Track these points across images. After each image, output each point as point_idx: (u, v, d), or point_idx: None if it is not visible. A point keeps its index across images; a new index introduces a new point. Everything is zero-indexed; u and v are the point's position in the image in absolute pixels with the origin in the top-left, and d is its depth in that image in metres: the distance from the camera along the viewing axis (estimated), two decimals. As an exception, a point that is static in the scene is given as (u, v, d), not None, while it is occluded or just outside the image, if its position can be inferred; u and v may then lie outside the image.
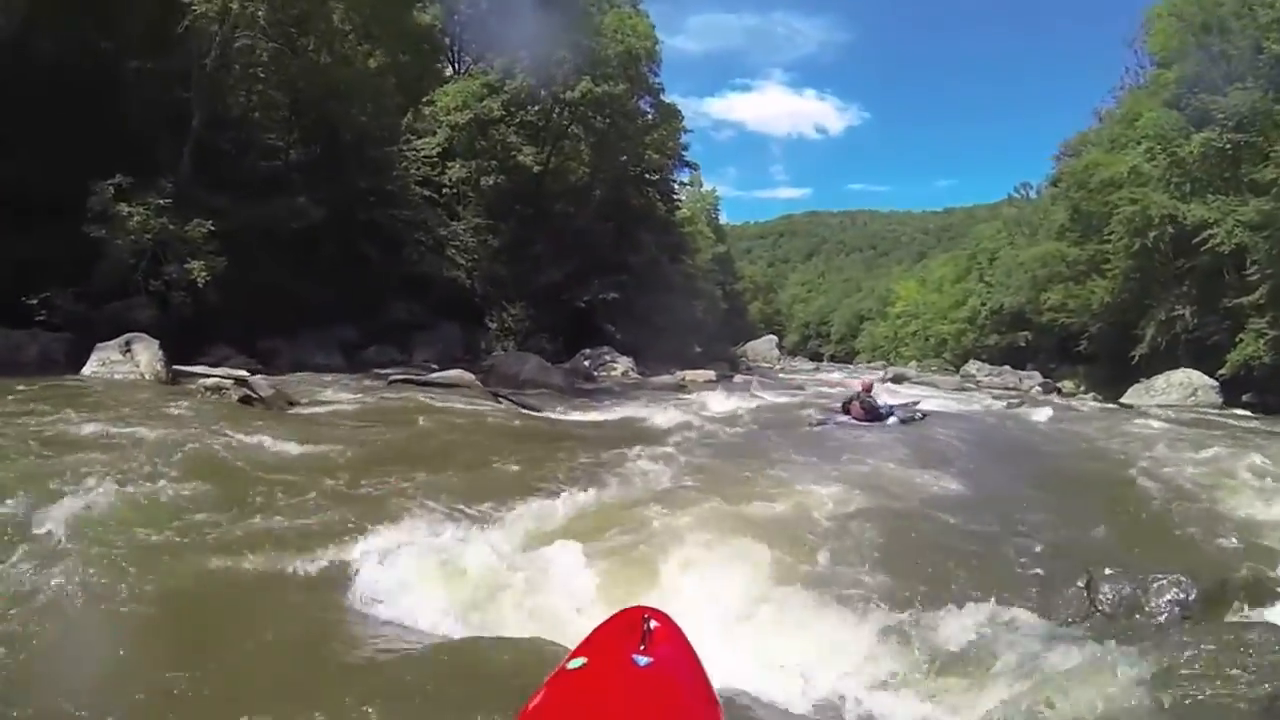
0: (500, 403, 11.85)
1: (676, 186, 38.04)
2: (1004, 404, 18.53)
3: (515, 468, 6.57)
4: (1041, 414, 15.28)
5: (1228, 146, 20.18)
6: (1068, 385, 31.44)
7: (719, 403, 13.95)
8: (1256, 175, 18.95)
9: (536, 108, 26.69)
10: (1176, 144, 21.32)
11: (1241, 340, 18.59)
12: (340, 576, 3.86)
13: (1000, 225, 52.35)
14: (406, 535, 4.33)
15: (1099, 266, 26.53)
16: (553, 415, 11.44)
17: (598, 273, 26.88)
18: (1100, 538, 5.09)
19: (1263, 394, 18.25)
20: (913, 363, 57.44)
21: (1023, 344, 43.75)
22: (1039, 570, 4.30)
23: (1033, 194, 48.68)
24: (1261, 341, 17.73)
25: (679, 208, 40.41)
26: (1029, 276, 38.78)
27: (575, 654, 1.79)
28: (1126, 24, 46.79)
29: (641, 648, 1.72)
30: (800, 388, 22.44)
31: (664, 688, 1.63)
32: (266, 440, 6.35)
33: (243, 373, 9.98)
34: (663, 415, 11.67)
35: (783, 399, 16.05)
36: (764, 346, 55.78)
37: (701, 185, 57.69)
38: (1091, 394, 25.51)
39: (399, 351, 19.26)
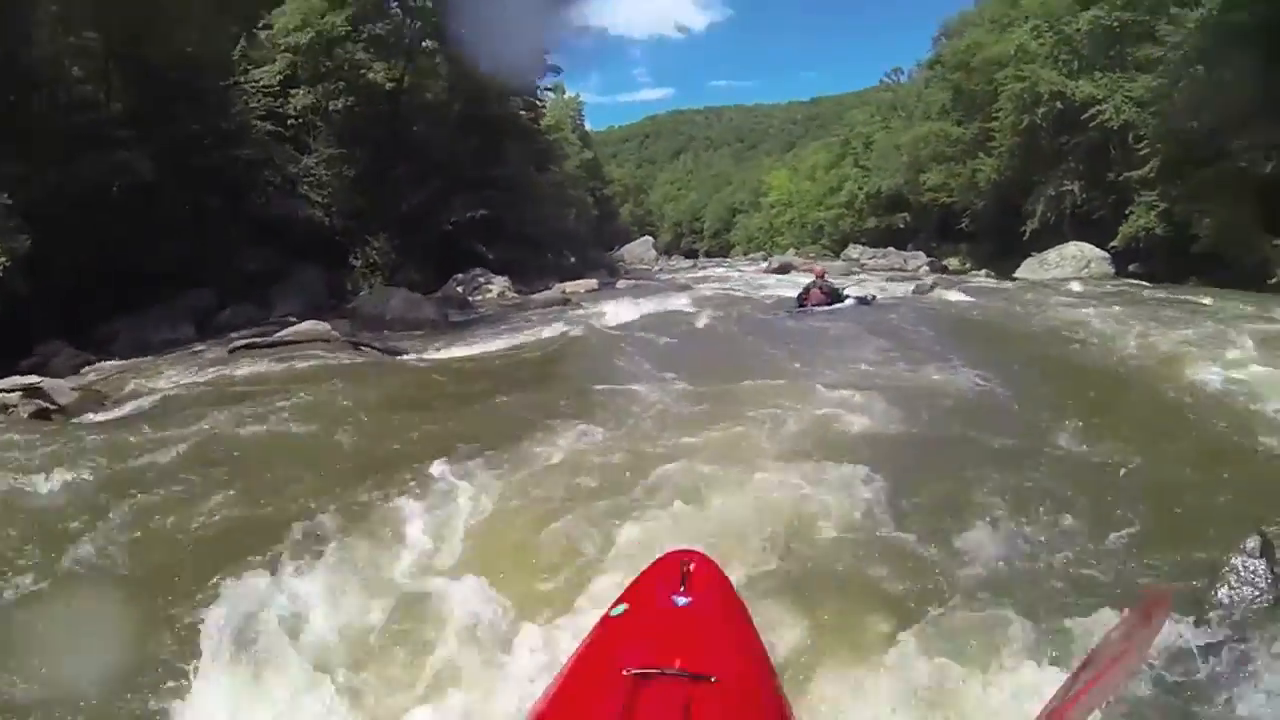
0: (361, 352, 10.06)
1: (540, 94, 35.61)
2: (913, 287, 18.10)
3: (377, 449, 4.91)
4: (961, 295, 14.70)
5: (1115, 24, 19.99)
6: (953, 263, 32.25)
7: (615, 313, 12.30)
8: (1143, 54, 18.84)
9: (386, 21, 23.63)
10: (1065, 21, 21.09)
11: (1131, 213, 18.95)
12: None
13: (874, 110, 52.54)
14: (222, 595, 2.89)
15: (984, 145, 26.67)
16: (426, 357, 9.67)
17: (463, 191, 24.71)
18: (1203, 468, 4.04)
19: (1147, 263, 18.84)
20: (790, 250, 57.96)
21: (901, 225, 44.83)
22: (1166, 522, 3.30)
23: (904, 79, 48.67)
24: (1153, 214, 18.10)
25: (543, 115, 38.04)
26: (906, 159, 39.18)
27: (617, 602, 1.80)
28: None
29: (681, 588, 1.73)
30: (687, 286, 21.35)
31: (704, 625, 1.66)
32: (48, 470, 4.53)
33: (33, 379, 7.74)
34: (555, 337, 10.31)
35: (681, 300, 14.38)
36: (640, 249, 54.11)
37: (564, 93, 55.14)
38: (984, 270, 25.86)
39: (258, 308, 16.87)
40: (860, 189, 49.76)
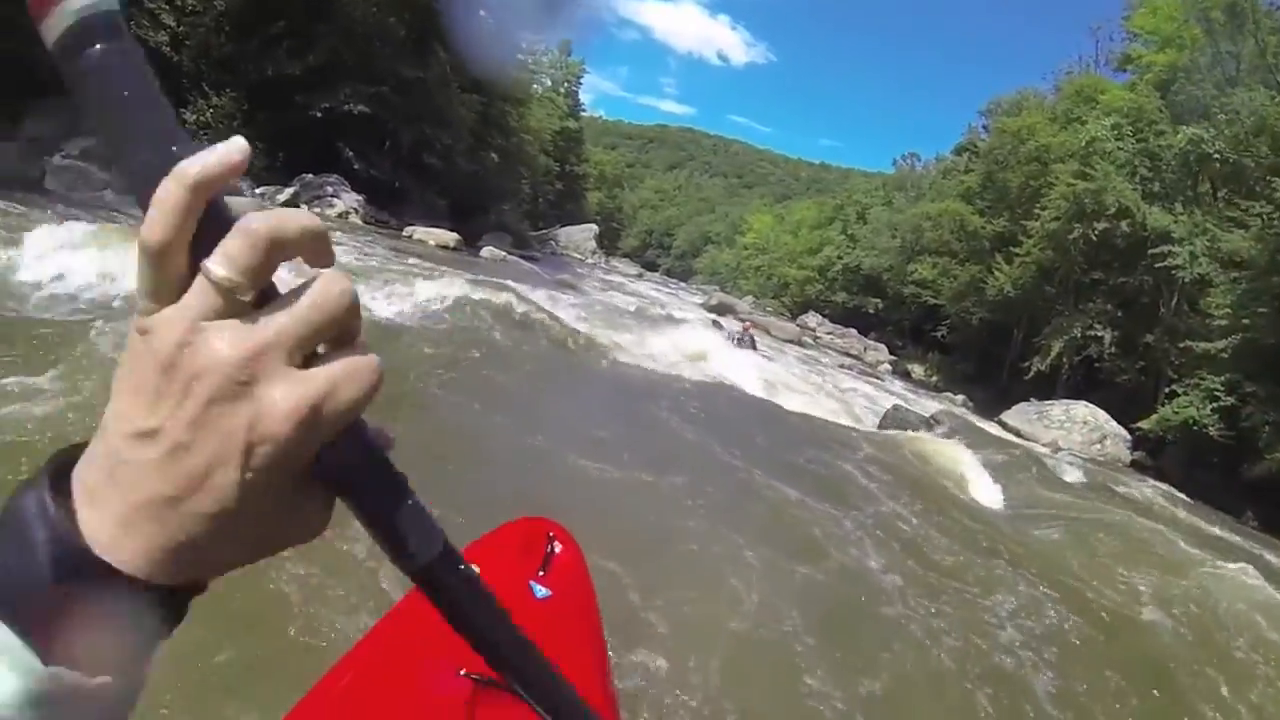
0: None
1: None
2: (876, 418, 12.48)
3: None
4: (979, 470, 7.70)
5: (1216, 156, 15.53)
6: (917, 370, 28.64)
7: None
8: (1240, 201, 14.32)
9: None
10: (1158, 128, 16.47)
11: (1179, 394, 14.35)
12: None
13: (881, 183, 49.00)
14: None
15: (1004, 248, 22.08)
16: None
17: (353, 77, 19.31)
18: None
19: (1180, 467, 14.22)
20: (749, 297, 54.29)
21: (871, 310, 41.40)
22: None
23: (919, 167, 45.21)
24: (1210, 406, 13.49)
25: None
26: (899, 242, 35.38)
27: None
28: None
29: (541, 574, 1.47)
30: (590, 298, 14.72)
31: (560, 629, 1.38)
32: None
33: None
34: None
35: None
36: (580, 235, 45.88)
37: (569, 54, 49.81)
38: (960, 396, 21.16)
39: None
40: (840, 258, 46.09)
